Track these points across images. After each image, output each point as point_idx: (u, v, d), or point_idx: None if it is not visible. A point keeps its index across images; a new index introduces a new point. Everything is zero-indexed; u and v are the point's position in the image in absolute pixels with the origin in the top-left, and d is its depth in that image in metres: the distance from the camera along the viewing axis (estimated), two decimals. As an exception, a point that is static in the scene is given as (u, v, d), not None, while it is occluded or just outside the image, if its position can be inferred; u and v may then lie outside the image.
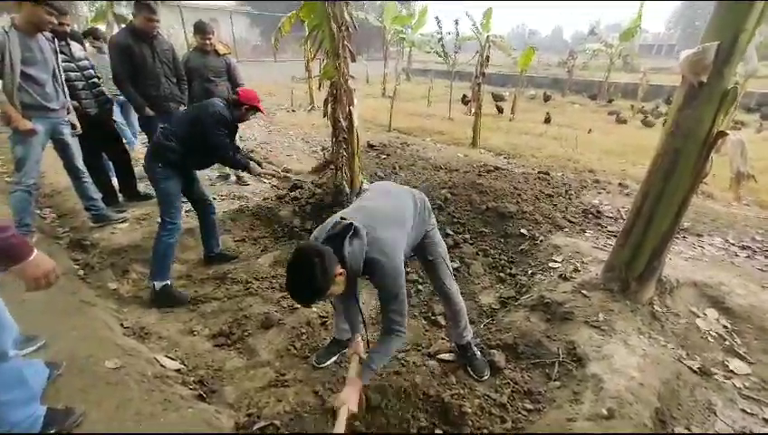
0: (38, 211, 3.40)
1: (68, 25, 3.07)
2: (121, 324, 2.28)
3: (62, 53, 2.93)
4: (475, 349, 2.10)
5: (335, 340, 2.14)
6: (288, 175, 3.33)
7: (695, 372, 1.89)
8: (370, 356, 1.64)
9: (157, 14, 3.09)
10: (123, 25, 4.84)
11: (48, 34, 2.68)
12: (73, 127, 2.94)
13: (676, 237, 2.97)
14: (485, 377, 2.00)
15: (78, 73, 3.16)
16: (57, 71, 2.74)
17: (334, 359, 2.11)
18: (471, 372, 2.03)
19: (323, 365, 2.07)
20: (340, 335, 2.11)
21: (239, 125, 2.74)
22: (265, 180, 4.43)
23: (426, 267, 2.02)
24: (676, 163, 1.98)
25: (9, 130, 2.60)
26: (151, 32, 3.13)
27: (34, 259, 1.13)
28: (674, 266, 2.55)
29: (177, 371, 1.98)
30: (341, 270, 1.42)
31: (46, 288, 1.18)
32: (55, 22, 2.60)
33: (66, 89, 2.87)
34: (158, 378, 1.83)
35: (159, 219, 2.54)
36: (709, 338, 2.10)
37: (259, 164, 2.81)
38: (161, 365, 1.97)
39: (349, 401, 1.55)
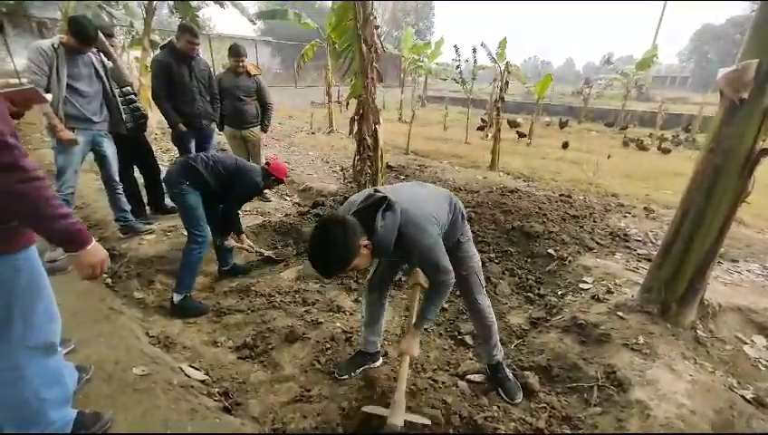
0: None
1: (112, 46, 3.24)
2: (147, 333, 2.27)
3: None
4: (507, 370, 2.01)
5: (361, 352, 2.07)
6: (262, 252, 3.23)
7: (749, 402, 1.76)
8: (424, 307, 1.68)
9: (198, 37, 3.28)
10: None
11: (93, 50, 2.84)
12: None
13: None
14: (518, 400, 1.90)
15: (117, 90, 3.32)
16: (108, 86, 2.89)
17: (357, 372, 2.03)
18: (503, 395, 1.93)
19: (344, 377, 1.99)
20: (366, 347, 2.05)
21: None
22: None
23: (458, 281, 1.97)
24: (716, 181, 1.93)
25: (52, 142, 2.72)
26: (192, 53, 3.30)
27: (93, 247, 1.19)
28: (713, 291, 2.44)
29: (202, 381, 1.93)
30: (366, 242, 1.38)
31: (99, 277, 1.25)
32: (83, 51, 2.73)
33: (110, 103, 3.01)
34: (184, 387, 1.80)
35: (187, 233, 2.57)
36: (760, 366, 1.97)
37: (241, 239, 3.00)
38: (186, 375, 1.93)
39: (410, 348, 1.66)
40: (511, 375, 1.99)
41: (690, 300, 2.11)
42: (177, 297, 2.53)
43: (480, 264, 1.94)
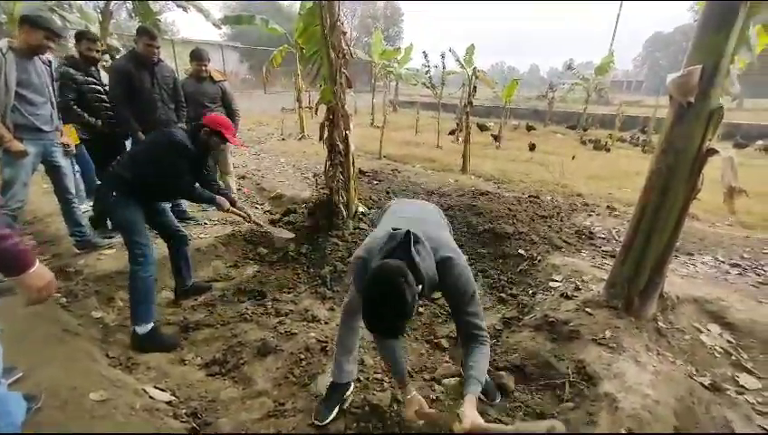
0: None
1: (98, 51, 3.16)
2: (106, 354, 2.14)
3: (90, 76, 3.12)
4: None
5: (334, 385, 1.83)
6: (259, 224, 2.99)
7: (707, 388, 1.85)
8: (472, 370, 1.46)
9: (156, 39, 3.15)
10: (117, 57, 4.89)
11: (45, 58, 2.68)
12: (66, 146, 2.90)
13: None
14: (497, 401, 1.91)
15: (104, 96, 3.20)
16: (52, 95, 2.72)
17: (336, 412, 1.79)
18: (482, 397, 1.93)
19: (326, 422, 1.74)
20: (340, 378, 1.82)
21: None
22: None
23: None
24: (670, 179, 2.03)
25: None
26: (151, 57, 3.18)
27: (37, 269, 1.10)
28: (671, 283, 2.57)
29: (168, 402, 1.84)
30: (418, 287, 1.28)
31: (45, 301, 1.15)
32: (53, 47, 2.60)
33: (58, 112, 2.84)
34: (148, 411, 1.70)
35: (128, 254, 2.25)
36: (715, 353, 2.09)
37: (233, 203, 2.58)
38: (150, 397, 1.83)
39: (476, 420, 1.36)
40: (488, 377, 2.00)
41: (651, 293, 2.21)
42: (140, 329, 2.23)
43: None
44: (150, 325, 2.27)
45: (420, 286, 1.30)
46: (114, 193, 2.18)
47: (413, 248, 1.32)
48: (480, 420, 1.38)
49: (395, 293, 1.19)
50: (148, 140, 2.37)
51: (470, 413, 1.38)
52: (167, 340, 2.32)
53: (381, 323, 1.26)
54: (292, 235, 3.16)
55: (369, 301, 1.24)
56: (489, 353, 1.55)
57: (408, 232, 1.37)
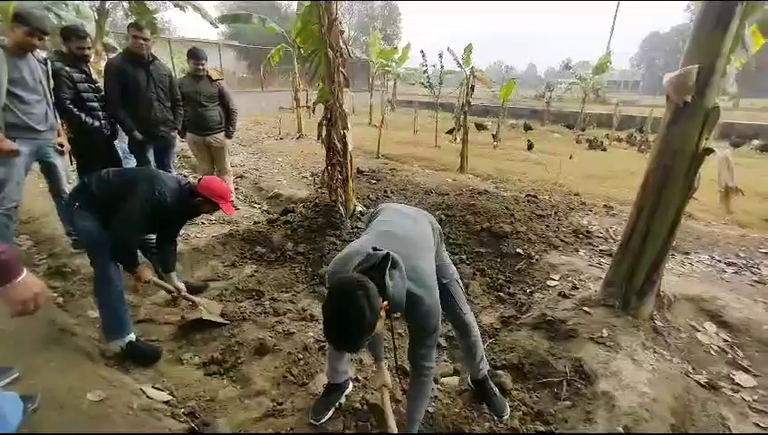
0: (14, 238, 3.23)
1: (89, 49, 3.04)
2: (103, 354, 2.12)
3: (82, 71, 3.00)
4: (493, 385, 1.92)
5: (331, 386, 1.86)
6: (191, 300, 2.50)
7: (703, 386, 1.87)
8: (411, 408, 1.54)
9: (142, 31, 3.11)
10: (113, 55, 4.87)
11: (41, 57, 2.66)
12: (61, 145, 2.88)
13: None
14: (506, 416, 1.82)
15: (97, 94, 3.12)
16: (48, 94, 2.70)
17: (333, 411, 1.81)
18: (490, 412, 1.85)
19: (322, 421, 1.76)
20: (335, 379, 1.85)
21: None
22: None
23: (440, 291, 1.89)
24: (667, 178, 2.05)
25: None
26: (139, 49, 3.14)
27: (24, 279, 1.04)
28: (667, 282, 2.58)
29: (166, 402, 1.84)
30: (384, 303, 1.25)
31: (34, 312, 1.07)
32: (37, 45, 2.56)
33: (56, 112, 2.82)
34: (146, 411, 1.70)
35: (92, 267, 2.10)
36: (712, 351, 2.10)
37: (158, 272, 2.37)
38: (148, 397, 1.83)
39: None
40: (497, 390, 1.91)
41: (648, 292, 2.22)
42: (114, 346, 2.08)
43: (458, 274, 1.89)
44: (128, 339, 2.13)
45: (386, 302, 1.27)
46: (78, 204, 2.04)
47: (388, 273, 1.28)
48: None
49: (352, 305, 1.15)
50: (137, 172, 2.25)
51: None
52: (146, 351, 2.18)
53: (339, 338, 1.21)
54: (224, 321, 2.48)
55: (327, 314, 1.20)
56: (430, 389, 1.60)
57: (388, 255, 1.31)
